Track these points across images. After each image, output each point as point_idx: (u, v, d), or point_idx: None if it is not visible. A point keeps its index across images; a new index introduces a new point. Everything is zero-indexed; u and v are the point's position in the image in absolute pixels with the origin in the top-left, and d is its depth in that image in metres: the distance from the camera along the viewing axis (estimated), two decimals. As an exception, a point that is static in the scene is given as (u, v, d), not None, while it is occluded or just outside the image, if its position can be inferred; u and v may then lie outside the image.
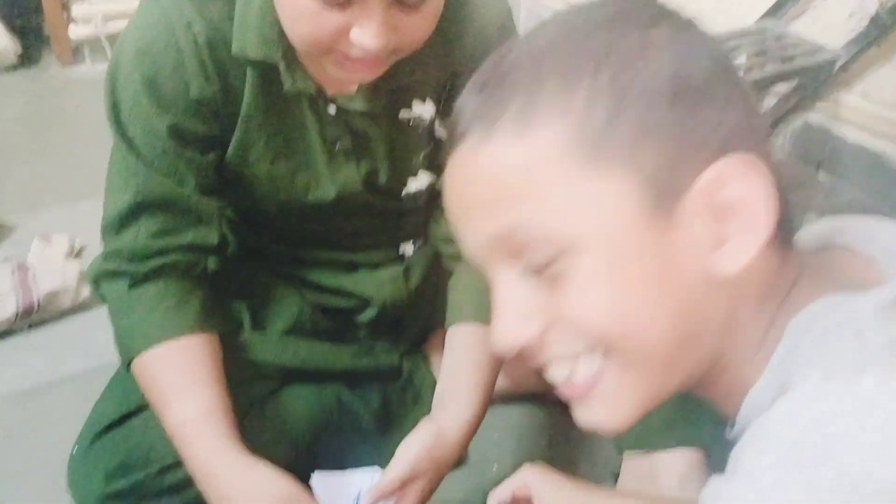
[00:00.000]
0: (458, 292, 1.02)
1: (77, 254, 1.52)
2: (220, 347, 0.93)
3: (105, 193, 0.93)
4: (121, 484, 0.91)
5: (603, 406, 0.51)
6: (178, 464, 0.89)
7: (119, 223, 0.91)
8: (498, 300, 0.51)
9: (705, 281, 0.48)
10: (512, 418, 1.24)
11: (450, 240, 1.05)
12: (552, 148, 0.47)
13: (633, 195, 0.47)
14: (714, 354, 0.51)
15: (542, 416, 1.24)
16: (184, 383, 0.87)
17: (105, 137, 0.91)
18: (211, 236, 0.94)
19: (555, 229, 0.47)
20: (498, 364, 0.98)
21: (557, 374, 0.52)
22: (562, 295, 0.48)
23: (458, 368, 0.94)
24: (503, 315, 0.51)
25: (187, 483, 0.90)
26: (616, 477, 1.04)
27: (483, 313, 0.97)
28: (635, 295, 0.47)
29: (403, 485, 0.83)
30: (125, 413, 0.95)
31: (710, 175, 0.47)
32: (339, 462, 0.95)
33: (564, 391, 0.53)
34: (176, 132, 0.88)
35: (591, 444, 1.20)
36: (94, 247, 0.92)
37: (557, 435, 1.22)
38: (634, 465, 1.00)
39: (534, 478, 0.80)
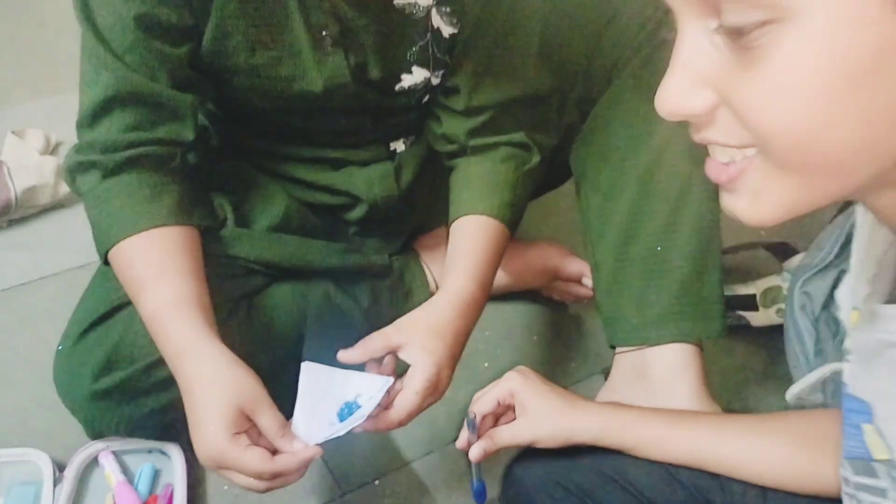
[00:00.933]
0: (460, 186, 1.00)
1: (53, 149, 1.47)
2: (198, 240, 0.90)
3: (80, 86, 0.89)
4: (108, 381, 0.89)
5: (746, 199, 0.45)
6: (162, 361, 0.87)
7: (92, 117, 0.87)
8: (676, 56, 0.43)
9: None
10: (503, 315, 1.24)
11: (450, 138, 1.01)
12: None
13: None
14: None
15: (534, 314, 1.24)
16: (157, 272, 0.84)
17: (79, 29, 0.86)
18: (186, 132, 0.90)
19: None
20: (500, 254, 0.97)
21: (717, 156, 0.46)
22: (749, 75, 0.40)
23: (461, 250, 0.94)
24: (675, 76, 0.43)
25: (172, 380, 0.88)
26: (607, 373, 1.05)
27: (486, 205, 0.96)
28: (840, 102, 0.39)
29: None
30: (110, 309, 0.92)
31: None
32: (327, 361, 0.93)
33: (712, 172, 0.46)
34: (145, 22, 0.82)
35: (582, 340, 1.21)
36: (71, 142, 0.89)
37: (548, 332, 1.22)
38: (626, 361, 1.00)
39: (518, 386, 0.79)
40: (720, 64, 0.41)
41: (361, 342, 0.86)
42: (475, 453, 0.80)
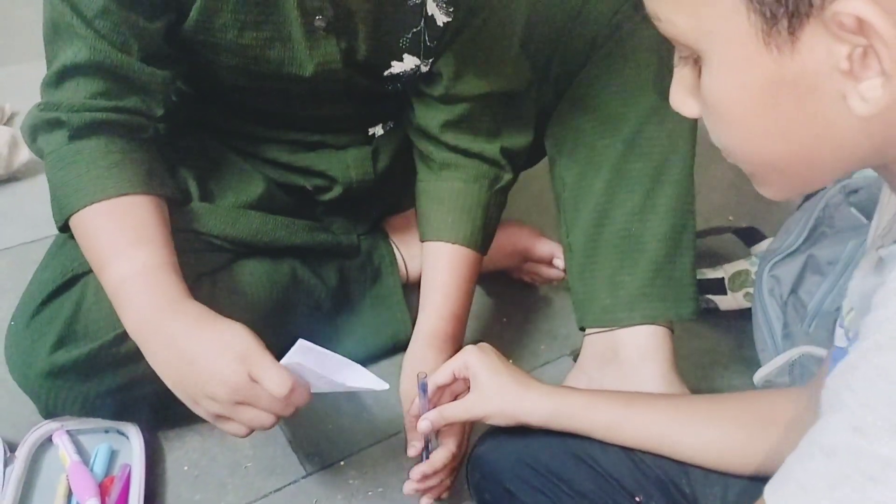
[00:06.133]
0: (431, 203, 1.01)
1: (8, 120, 1.42)
2: (167, 211, 0.87)
3: (45, 50, 0.86)
4: (63, 358, 0.86)
5: (760, 187, 0.53)
6: (122, 337, 0.85)
7: (58, 79, 0.84)
8: (675, 63, 0.53)
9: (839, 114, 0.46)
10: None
11: (424, 130, 1.00)
12: None
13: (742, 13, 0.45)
14: (876, 155, 0.49)
15: (503, 295, 1.23)
16: (127, 240, 0.81)
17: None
18: (155, 107, 0.88)
19: (682, 32, 0.48)
20: (474, 278, 1.01)
21: None
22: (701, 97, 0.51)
23: (433, 286, 0.98)
24: (674, 79, 0.53)
25: (132, 356, 0.86)
26: (576, 356, 1.04)
27: (458, 233, 0.99)
28: (756, 124, 0.48)
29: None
30: (66, 281, 0.89)
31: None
32: (294, 341, 0.92)
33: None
34: None
35: (551, 322, 1.20)
36: (26, 112, 0.85)
37: (517, 314, 1.21)
38: (596, 342, 1.00)
39: (474, 360, 0.79)
40: (695, 82, 0.51)
41: None
42: (423, 425, 0.81)
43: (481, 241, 1.00)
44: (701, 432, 0.73)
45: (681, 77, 0.52)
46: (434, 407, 0.81)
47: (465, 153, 1.00)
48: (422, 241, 1.01)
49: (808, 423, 0.68)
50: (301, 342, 0.75)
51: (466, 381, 0.81)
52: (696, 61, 0.49)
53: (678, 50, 0.51)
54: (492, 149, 1.00)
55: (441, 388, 0.82)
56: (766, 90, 0.46)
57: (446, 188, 1.00)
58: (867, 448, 0.40)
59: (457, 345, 0.96)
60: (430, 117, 0.99)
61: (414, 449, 0.87)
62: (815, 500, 0.42)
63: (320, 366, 0.76)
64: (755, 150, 0.49)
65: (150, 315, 0.78)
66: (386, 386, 0.78)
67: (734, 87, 0.47)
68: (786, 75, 0.45)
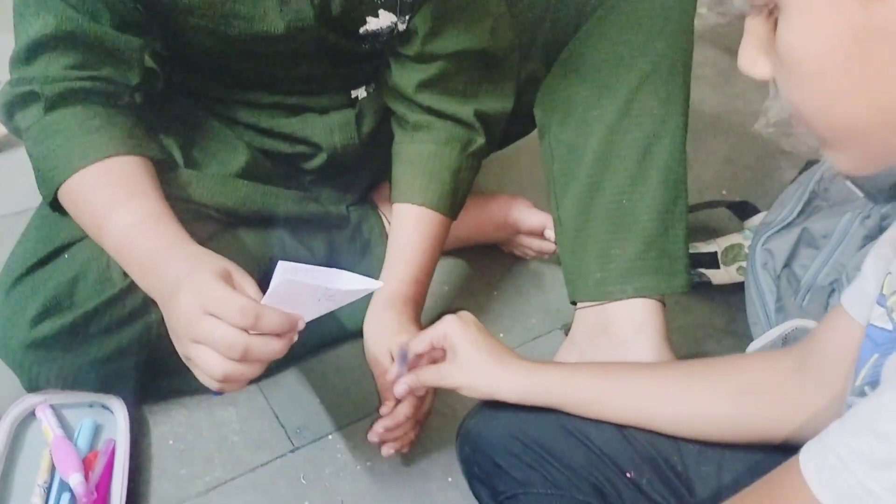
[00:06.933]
0: (402, 165, 1.00)
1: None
2: (155, 172, 0.85)
3: (14, 24, 0.83)
4: (47, 329, 0.84)
5: (833, 158, 0.49)
6: (107, 305, 0.84)
7: (29, 52, 0.81)
8: (747, 20, 0.49)
9: None
10: (463, 270, 1.22)
11: (399, 90, 0.98)
12: None
13: None
14: None
15: (494, 269, 1.22)
16: (123, 195, 0.79)
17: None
18: (131, 75, 0.86)
19: None
20: (440, 242, 0.99)
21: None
22: (775, 54, 0.46)
23: (397, 246, 0.97)
24: (745, 39, 0.49)
25: (118, 326, 0.86)
26: (568, 329, 1.03)
27: (426, 196, 0.97)
28: (835, 81, 0.43)
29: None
30: (50, 252, 0.87)
31: None
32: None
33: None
34: None
35: (542, 295, 1.19)
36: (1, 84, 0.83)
37: (509, 287, 1.20)
38: (588, 316, 0.99)
39: (453, 330, 0.78)
40: (769, 37, 0.46)
41: None
42: (400, 388, 0.81)
43: (450, 205, 0.99)
44: (680, 403, 0.72)
45: (752, 31, 0.47)
46: (410, 370, 0.81)
47: (439, 114, 0.98)
48: (391, 203, 1.00)
49: (794, 389, 0.68)
50: (282, 263, 0.68)
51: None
52: (772, 12, 0.44)
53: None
54: (466, 111, 0.98)
55: (419, 356, 0.82)
56: (853, 42, 0.41)
57: (417, 150, 0.99)
58: None
59: (416, 308, 0.95)
60: (405, 77, 0.97)
61: (387, 409, 0.87)
62: (853, 478, 0.42)
63: (310, 280, 0.69)
64: (836, 112, 0.44)
65: (155, 259, 0.75)
66: (380, 284, 0.74)
67: (816, 40, 0.42)
68: (876, 24, 0.40)
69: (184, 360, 0.72)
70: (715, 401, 0.71)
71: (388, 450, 0.88)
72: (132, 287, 0.84)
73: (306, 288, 0.69)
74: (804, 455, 0.46)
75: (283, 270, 0.68)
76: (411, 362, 0.82)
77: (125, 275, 0.83)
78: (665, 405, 0.73)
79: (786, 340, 0.95)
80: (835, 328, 0.65)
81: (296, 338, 0.70)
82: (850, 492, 0.42)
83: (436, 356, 0.82)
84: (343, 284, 0.71)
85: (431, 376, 0.80)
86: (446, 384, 0.79)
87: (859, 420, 0.43)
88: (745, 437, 0.71)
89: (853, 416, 0.44)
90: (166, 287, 0.72)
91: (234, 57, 0.92)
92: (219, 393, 0.72)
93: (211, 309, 0.66)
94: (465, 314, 0.81)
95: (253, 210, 0.98)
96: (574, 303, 1.00)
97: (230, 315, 0.66)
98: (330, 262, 1.07)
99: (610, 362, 0.91)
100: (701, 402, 0.72)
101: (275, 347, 0.68)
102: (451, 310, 1.12)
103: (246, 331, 0.67)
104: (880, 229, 1.02)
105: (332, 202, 1.09)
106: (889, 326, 0.54)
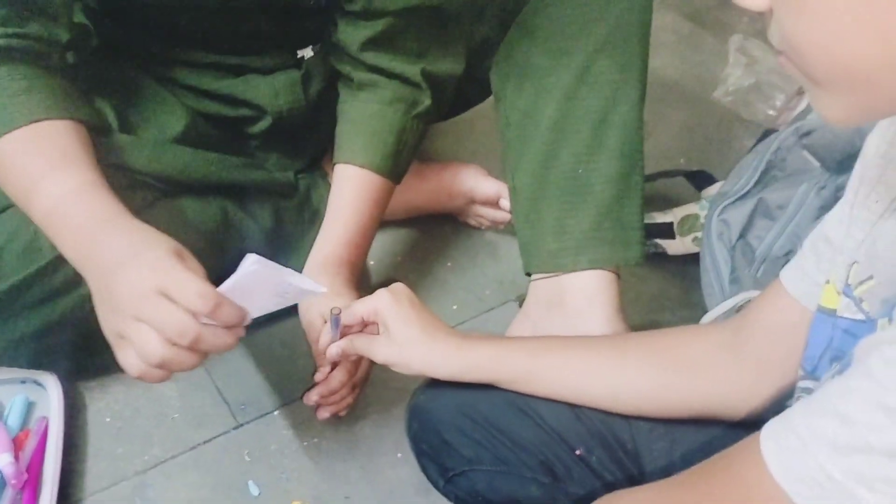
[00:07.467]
0: (345, 124, 0.97)
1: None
2: (88, 137, 0.80)
3: None
4: (-32, 304, 0.80)
5: (821, 102, 0.44)
6: (35, 277, 0.81)
7: None
8: None
9: None
10: (416, 240, 1.19)
11: (344, 48, 0.94)
12: None
13: None
14: None
15: (448, 239, 1.19)
16: (52, 163, 0.74)
17: None
18: (59, 32, 0.80)
19: None
20: (382, 205, 0.97)
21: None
22: None
23: (335, 207, 0.95)
24: None
25: (49, 298, 0.82)
26: (522, 301, 1.01)
27: (368, 157, 0.94)
28: (852, 16, 0.39)
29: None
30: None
31: None
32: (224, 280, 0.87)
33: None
34: None
35: (496, 266, 1.17)
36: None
37: (463, 258, 1.18)
38: (542, 288, 0.97)
39: (384, 307, 0.75)
40: None
41: None
42: (332, 351, 0.78)
43: (391, 167, 0.96)
44: (609, 378, 0.71)
45: None
46: (344, 336, 0.78)
47: (385, 73, 0.95)
48: (332, 163, 0.97)
49: (725, 364, 0.67)
50: (251, 255, 0.66)
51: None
52: None
53: None
54: (412, 70, 0.95)
55: (348, 326, 0.79)
56: None
57: (360, 109, 0.96)
58: (891, 427, 0.38)
59: (353, 270, 0.93)
60: (351, 34, 0.93)
61: (322, 374, 0.85)
62: (814, 459, 0.41)
63: (275, 274, 0.68)
64: (840, 48, 0.40)
65: (92, 232, 0.71)
66: (324, 289, 0.74)
67: None
68: None
69: (110, 337, 0.68)
70: (643, 375, 0.70)
71: (324, 413, 0.86)
72: (61, 260, 0.79)
73: (269, 281, 0.67)
74: (765, 433, 0.44)
75: (253, 261, 0.65)
76: (343, 328, 0.79)
77: (52, 248, 0.78)
78: (595, 381, 0.71)
79: (739, 311, 0.94)
80: (773, 304, 0.65)
81: (243, 334, 0.68)
82: (809, 475, 0.41)
83: (371, 329, 0.79)
84: (297, 282, 0.70)
85: (363, 345, 0.77)
86: (378, 359, 0.76)
87: (825, 402, 0.42)
88: (676, 411, 0.70)
89: (819, 398, 0.43)
90: (106, 261, 0.68)
91: (169, 10, 0.87)
92: None
93: (168, 289, 0.63)
94: (397, 287, 0.77)
95: (194, 178, 0.94)
96: (529, 274, 0.98)
97: (188, 299, 0.62)
98: (277, 231, 1.04)
99: (544, 336, 0.89)
100: (630, 377, 0.70)
101: (225, 341, 0.66)
102: (404, 280, 1.11)
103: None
104: (836, 200, 1.01)
105: (279, 168, 1.05)
106: (861, 316, 0.52)
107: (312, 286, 0.73)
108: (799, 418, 0.43)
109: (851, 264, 0.54)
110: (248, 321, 0.68)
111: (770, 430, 0.44)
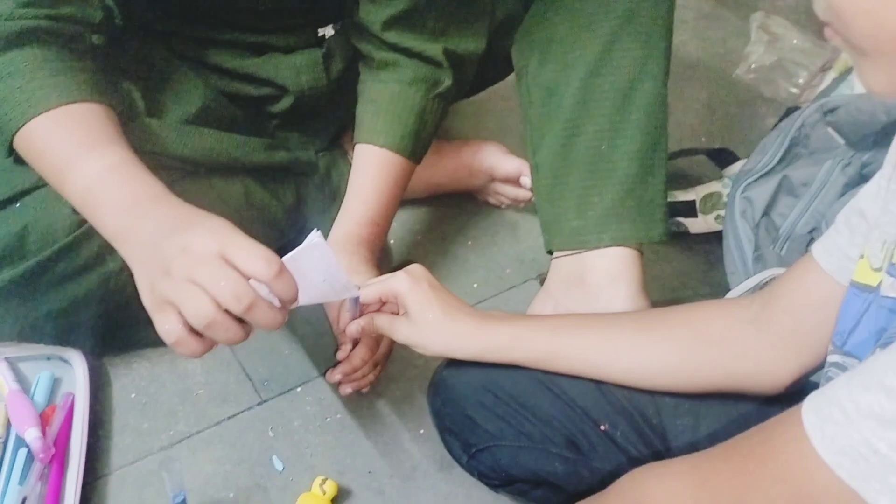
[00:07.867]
0: (366, 104, 0.97)
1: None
2: (118, 121, 0.79)
3: None
4: (0, 279, 0.80)
5: (870, 72, 0.44)
6: (59, 255, 0.81)
7: None
8: None
9: None
10: (436, 219, 1.19)
11: (366, 27, 0.93)
12: None
13: None
14: None
15: (468, 217, 1.19)
16: (90, 142, 0.74)
17: None
18: (92, 13, 0.80)
19: None
20: (402, 185, 0.97)
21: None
22: None
23: (356, 188, 0.95)
24: None
25: (72, 276, 0.82)
26: (543, 279, 1.01)
27: (388, 137, 0.94)
28: None
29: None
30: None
31: None
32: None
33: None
34: None
35: (517, 245, 1.16)
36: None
37: (483, 236, 1.17)
38: (563, 265, 0.96)
39: (404, 290, 0.75)
40: None
41: None
42: (352, 328, 0.78)
43: (412, 147, 0.95)
44: (631, 355, 0.71)
45: None
46: (362, 314, 0.78)
47: (406, 52, 0.94)
48: (353, 143, 0.97)
49: (748, 339, 0.66)
50: (315, 231, 0.64)
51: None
52: None
53: None
54: (434, 49, 0.94)
55: (366, 305, 0.79)
56: None
57: (381, 89, 0.96)
58: None
59: (372, 250, 0.93)
60: (372, 13, 0.92)
61: (344, 352, 0.85)
62: (857, 432, 0.40)
63: (323, 260, 0.67)
64: (887, 13, 0.40)
65: (140, 203, 0.69)
66: (357, 293, 0.75)
67: None
68: None
69: (154, 304, 0.64)
70: (667, 350, 0.70)
71: (346, 389, 0.86)
72: (84, 238, 0.81)
73: (322, 264, 0.67)
74: (806, 407, 0.44)
75: (317, 235, 0.65)
76: (362, 307, 0.79)
77: (72, 227, 0.80)
78: (618, 357, 0.71)
79: (764, 288, 0.93)
80: (801, 279, 0.64)
81: (287, 318, 0.65)
82: (854, 448, 0.40)
83: (390, 307, 0.79)
84: (341, 276, 0.70)
85: (384, 324, 0.77)
86: (399, 338, 0.76)
87: (870, 376, 0.41)
88: (699, 386, 0.69)
89: (863, 372, 0.42)
90: (157, 228, 0.66)
91: None
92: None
93: (231, 254, 0.60)
94: (416, 269, 0.77)
95: (220, 161, 0.94)
96: (550, 252, 0.98)
97: (253, 262, 0.60)
98: (298, 210, 1.04)
99: (565, 315, 0.89)
100: (653, 352, 0.70)
101: (275, 317, 0.62)
102: (425, 259, 1.11)
103: None
104: (861, 177, 1.00)
105: (300, 147, 1.05)
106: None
107: (350, 285, 0.73)
108: (843, 391, 0.42)
109: (894, 244, 0.53)
110: (297, 303, 0.65)
111: (812, 404, 0.44)
